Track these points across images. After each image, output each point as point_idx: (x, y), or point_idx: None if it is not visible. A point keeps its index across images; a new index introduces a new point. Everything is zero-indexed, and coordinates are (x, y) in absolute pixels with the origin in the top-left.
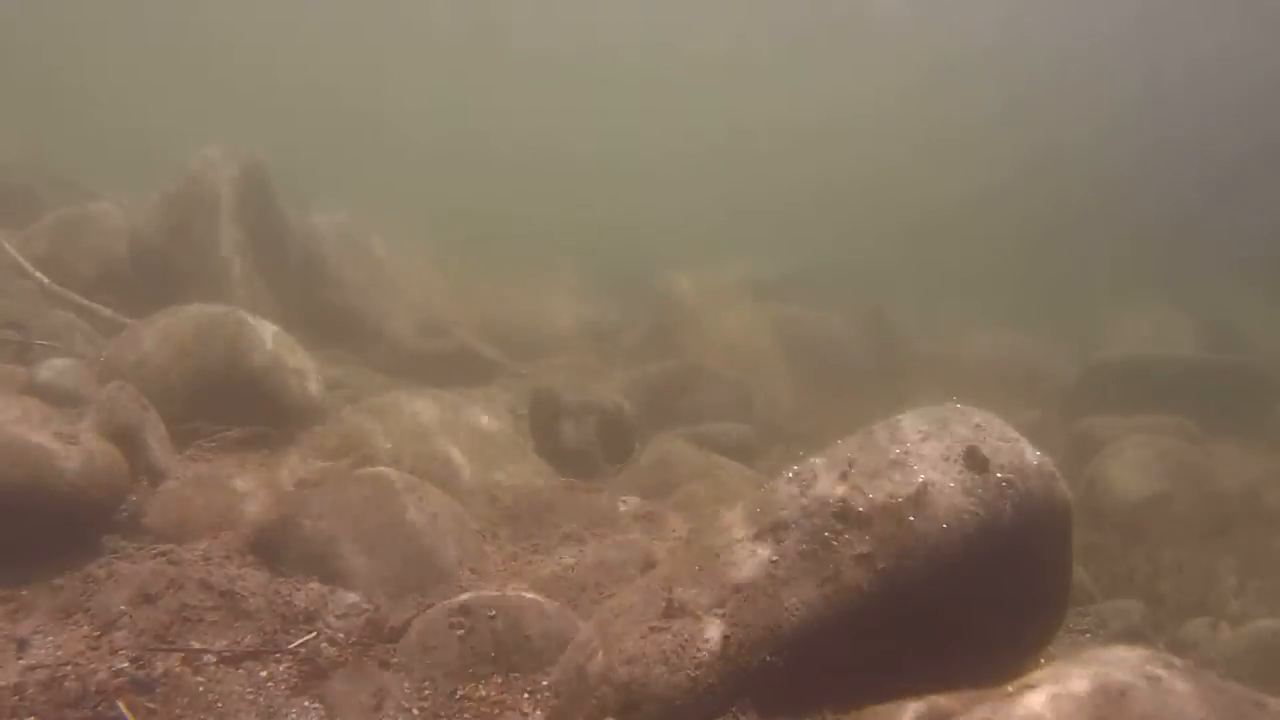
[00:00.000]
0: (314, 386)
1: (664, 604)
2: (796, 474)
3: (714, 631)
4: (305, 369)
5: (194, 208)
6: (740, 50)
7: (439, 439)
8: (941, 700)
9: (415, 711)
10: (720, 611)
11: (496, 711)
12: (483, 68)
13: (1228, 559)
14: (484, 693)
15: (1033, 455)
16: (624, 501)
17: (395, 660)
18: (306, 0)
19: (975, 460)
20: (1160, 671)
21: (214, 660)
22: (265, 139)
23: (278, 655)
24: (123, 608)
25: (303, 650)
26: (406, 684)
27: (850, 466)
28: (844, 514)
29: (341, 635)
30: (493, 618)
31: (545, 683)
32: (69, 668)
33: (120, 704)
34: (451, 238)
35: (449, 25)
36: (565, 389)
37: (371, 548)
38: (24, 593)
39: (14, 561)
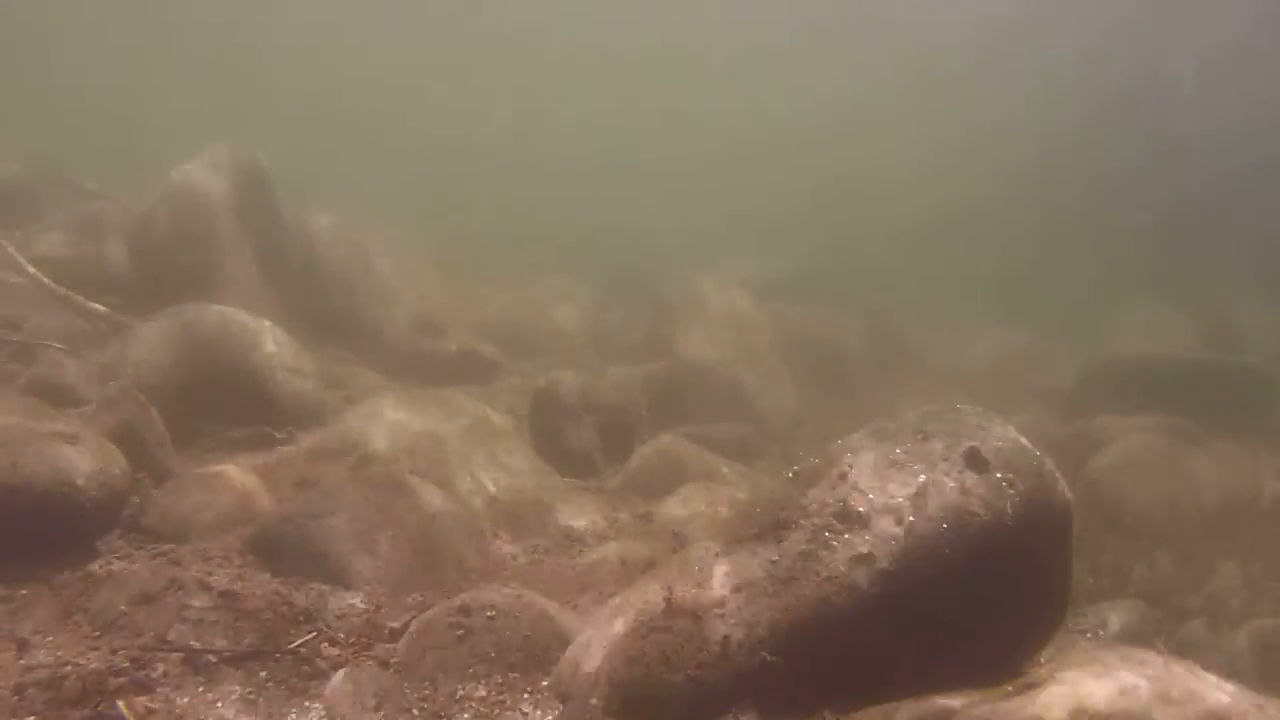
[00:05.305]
0: (314, 386)
1: (664, 604)
2: (796, 474)
3: (714, 631)
4: (305, 369)
5: (195, 208)
6: (742, 51)
7: (438, 439)
8: (941, 700)
9: (415, 711)
10: (720, 611)
11: (496, 711)
12: (485, 70)
13: (1228, 559)
14: (484, 693)
15: (1033, 455)
16: (629, 504)
17: (395, 660)
18: (308, 1)
19: (975, 460)
20: (1159, 672)
21: (214, 660)
22: (266, 140)
23: (278, 655)
24: (123, 608)
25: (303, 650)
26: (406, 684)
27: (850, 467)
28: (844, 514)
29: (341, 635)
30: (492, 618)
31: (545, 683)
32: (69, 668)
33: (120, 704)
34: (452, 238)
35: (453, 27)
36: (565, 389)
37: (371, 547)
38: (24, 593)
39: (14, 561)
